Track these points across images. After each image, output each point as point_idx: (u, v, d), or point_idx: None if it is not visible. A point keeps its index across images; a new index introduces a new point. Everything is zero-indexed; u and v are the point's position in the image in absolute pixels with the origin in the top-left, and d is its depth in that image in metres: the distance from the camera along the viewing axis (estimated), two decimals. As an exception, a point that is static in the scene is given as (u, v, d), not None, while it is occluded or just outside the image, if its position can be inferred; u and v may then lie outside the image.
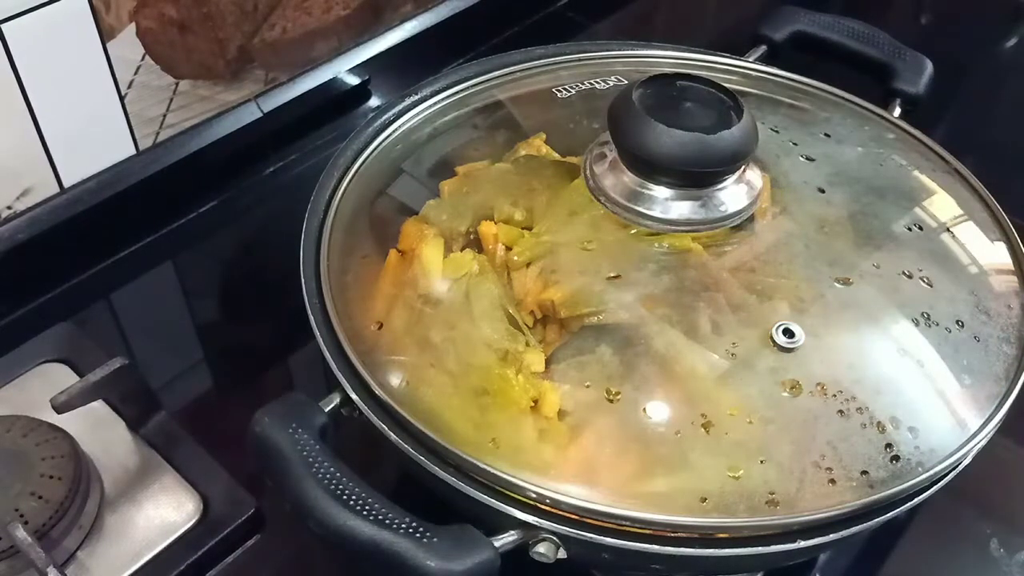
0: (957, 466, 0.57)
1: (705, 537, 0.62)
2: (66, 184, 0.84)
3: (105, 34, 0.80)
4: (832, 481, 0.57)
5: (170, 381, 0.80)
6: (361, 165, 0.73)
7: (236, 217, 0.95)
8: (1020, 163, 1.00)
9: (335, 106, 1.02)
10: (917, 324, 0.63)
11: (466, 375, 0.68)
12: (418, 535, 0.50)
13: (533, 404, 0.67)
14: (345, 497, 0.51)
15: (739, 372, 0.63)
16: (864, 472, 0.66)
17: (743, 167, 0.65)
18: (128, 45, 0.82)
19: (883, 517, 0.55)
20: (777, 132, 0.73)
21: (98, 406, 0.72)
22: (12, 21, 0.74)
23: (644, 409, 0.64)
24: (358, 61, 1.02)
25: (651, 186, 0.65)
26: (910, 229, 0.69)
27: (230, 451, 0.70)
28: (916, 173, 0.74)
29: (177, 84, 0.88)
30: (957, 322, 0.64)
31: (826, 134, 0.74)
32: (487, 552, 0.50)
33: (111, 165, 0.87)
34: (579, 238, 0.75)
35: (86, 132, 0.84)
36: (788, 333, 0.63)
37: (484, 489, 0.54)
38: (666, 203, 0.66)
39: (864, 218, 0.69)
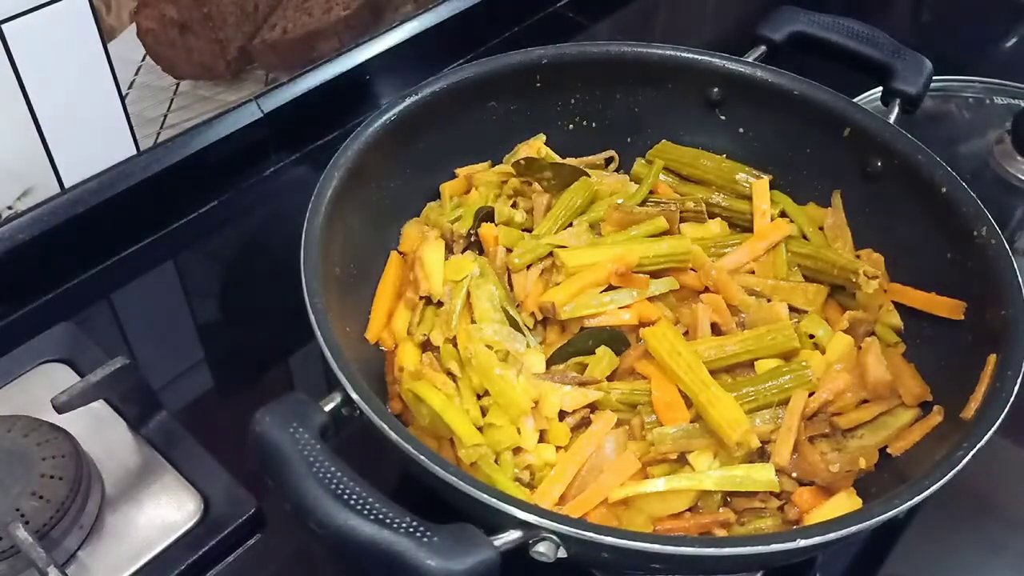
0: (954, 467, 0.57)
1: (705, 536, 0.62)
2: (67, 184, 0.85)
3: (106, 34, 0.80)
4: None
5: (171, 381, 0.80)
6: (361, 165, 0.73)
7: (236, 217, 0.95)
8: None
9: (335, 106, 1.02)
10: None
11: (467, 376, 0.68)
12: (418, 534, 0.50)
13: (534, 405, 0.67)
14: (345, 497, 0.51)
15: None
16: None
17: None
18: (129, 45, 0.82)
19: (882, 517, 0.55)
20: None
21: (99, 406, 0.72)
22: (13, 21, 0.74)
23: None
24: (358, 61, 1.02)
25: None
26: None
27: (231, 451, 0.70)
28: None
29: (178, 84, 0.88)
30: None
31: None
32: (487, 551, 0.50)
33: (112, 165, 0.87)
34: (580, 240, 0.76)
35: (87, 132, 0.84)
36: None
37: (484, 488, 0.54)
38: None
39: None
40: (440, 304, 0.73)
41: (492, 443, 0.65)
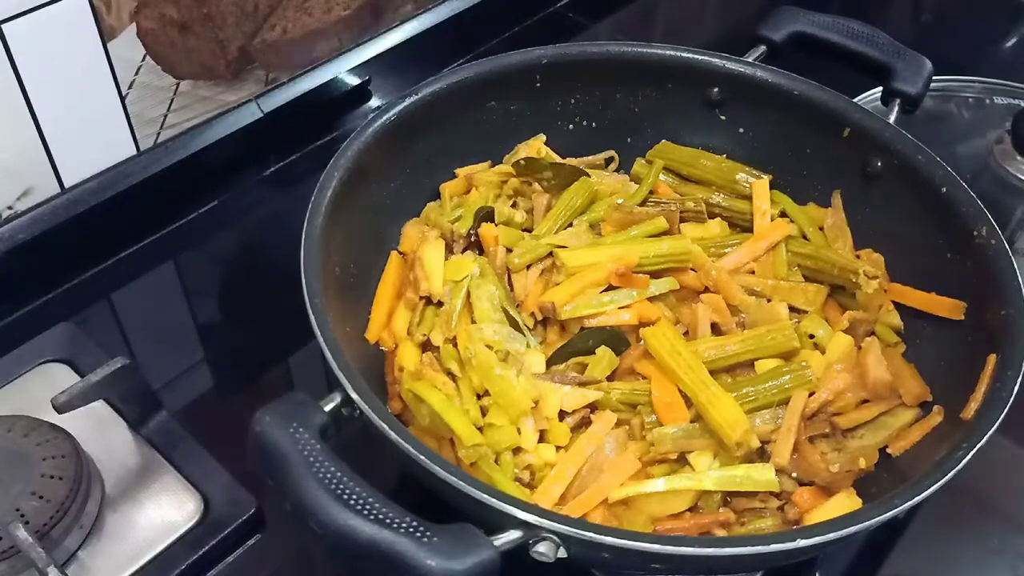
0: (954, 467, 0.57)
1: (705, 536, 0.62)
2: (67, 184, 0.85)
3: (106, 34, 0.80)
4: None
5: (171, 381, 0.80)
6: (361, 165, 0.73)
7: (236, 217, 0.95)
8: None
9: (335, 106, 1.02)
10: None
11: (467, 376, 0.68)
12: (418, 534, 0.50)
13: (534, 405, 0.67)
14: (346, 497, 0.51)
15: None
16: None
17: None
18: (129, 45, 0.83)
19: (882, 517, 0.55)
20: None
21: (99, 406, 0.72)
22: (12, 21, 0.74)
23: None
24: (358, 61, 1.02)
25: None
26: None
27: (231, 450, 0.70)
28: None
29: (178, 84, 0.88)
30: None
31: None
32: (488, 551, 0.50)
33: (112, 165, 0.87)
34: (580, 240, 0.76)
35: (87, 132, 0.84)
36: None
37: (484, 488, 0.54)
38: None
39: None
40: (440, 304, 0.73)
41: (492, 443, 0.65)
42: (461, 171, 0.83)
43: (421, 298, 0.74)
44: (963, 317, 0.69)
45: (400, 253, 0.78)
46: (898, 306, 0.74)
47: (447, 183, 0.82)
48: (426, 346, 0.72)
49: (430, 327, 0.72)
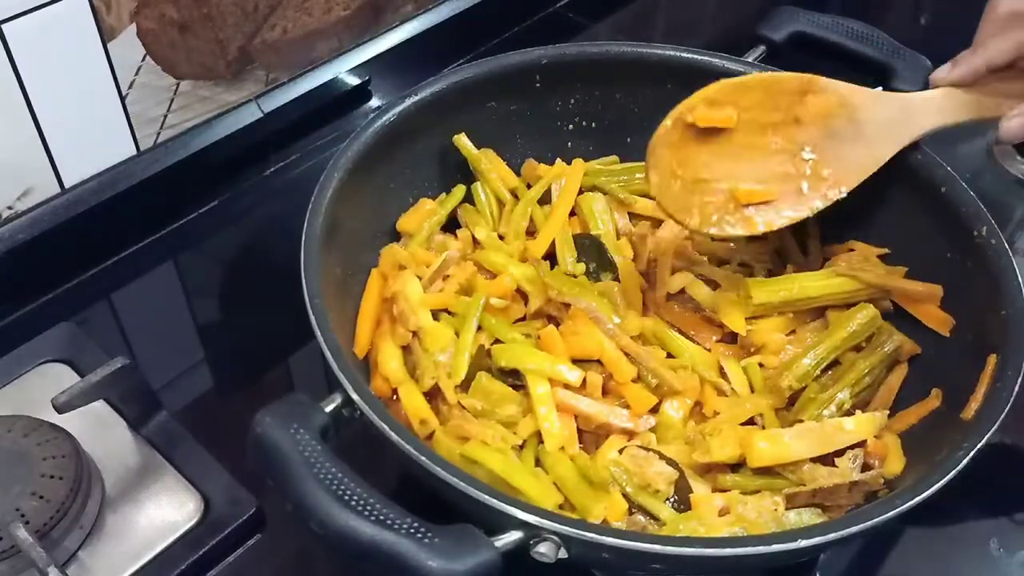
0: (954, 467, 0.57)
1: (706, 537, 0.62)
2: (67, 184, 0.85)
3: (106, 34, 0.80)
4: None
5: (171, 381, 0.80)
6: (361, 165, 0.73)
7: (236, 217, 0.95)
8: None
9: (335, 106, 1.02)
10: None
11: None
12: (419, 535, 0.50)
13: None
14: (346, 498, 0.51)
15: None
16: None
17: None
18: (129, 46, 0.82)
19: (883, 517, 0.55)
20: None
21: (99, 406, 0.72)
22: (13, 21, 0.74)
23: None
24: (358, 61, 1.02)
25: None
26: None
27: (231, 451, 0.70)
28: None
29: (178, 84, 0.88)
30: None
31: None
32: (488, 552, 0.50)
33: (112, 165, 0.87)
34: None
35: (87, 132, 0.84)
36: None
37: (485, 489, 0.54)
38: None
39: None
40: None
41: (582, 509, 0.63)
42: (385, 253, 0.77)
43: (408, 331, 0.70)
44: (949, 334, 0.70)
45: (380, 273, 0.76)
46: (898, 308, 0.74)
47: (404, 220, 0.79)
48: (434, 391, 0.68)
49: (432, 372, 0.68)
